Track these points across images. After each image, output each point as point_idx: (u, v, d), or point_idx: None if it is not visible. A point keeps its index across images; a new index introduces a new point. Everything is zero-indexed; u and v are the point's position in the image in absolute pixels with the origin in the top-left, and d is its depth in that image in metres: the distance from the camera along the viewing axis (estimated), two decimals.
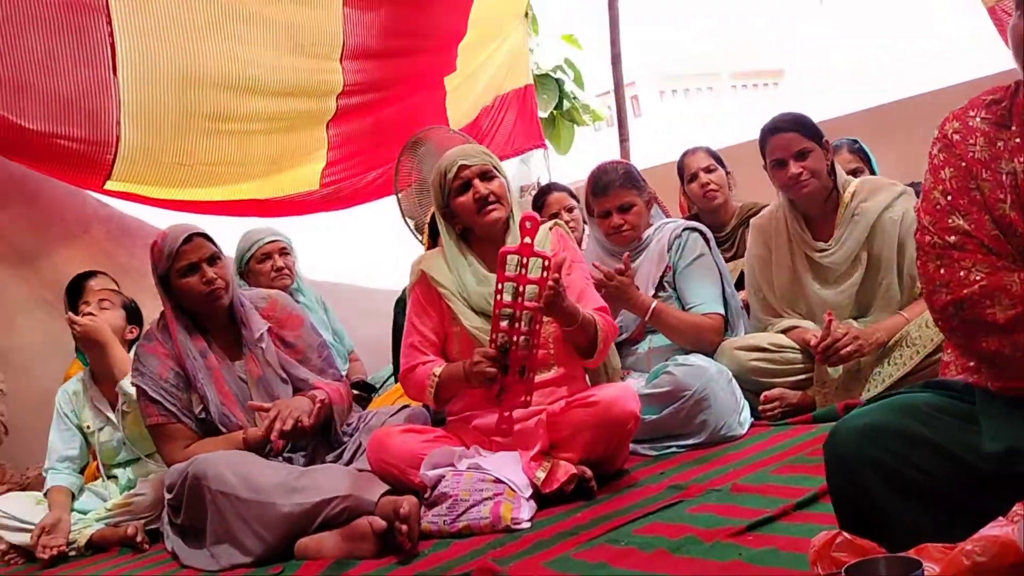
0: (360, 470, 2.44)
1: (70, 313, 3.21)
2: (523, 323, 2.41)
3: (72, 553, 2.85)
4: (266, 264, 3.68)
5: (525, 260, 2.39)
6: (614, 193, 3.02)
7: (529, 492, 2.28)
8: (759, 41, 33.72)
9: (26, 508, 2.95)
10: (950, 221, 1.49)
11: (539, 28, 7.32)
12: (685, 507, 2.09)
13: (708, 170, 3.74)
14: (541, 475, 2.30)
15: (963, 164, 1.51)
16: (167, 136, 4.13)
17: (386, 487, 2.28)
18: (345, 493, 2.24)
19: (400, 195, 4.26)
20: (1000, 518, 1.23)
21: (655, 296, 2.99)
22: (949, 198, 1.51)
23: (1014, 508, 1.24)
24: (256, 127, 4.43)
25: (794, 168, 2.86)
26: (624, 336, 3.03)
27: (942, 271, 1.49)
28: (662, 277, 3.02)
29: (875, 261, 2.86)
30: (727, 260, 3.53)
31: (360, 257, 5.47)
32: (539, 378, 2.48)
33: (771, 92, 33.99)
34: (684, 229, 3.07)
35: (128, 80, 3.89)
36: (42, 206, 4.36)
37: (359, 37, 4.46)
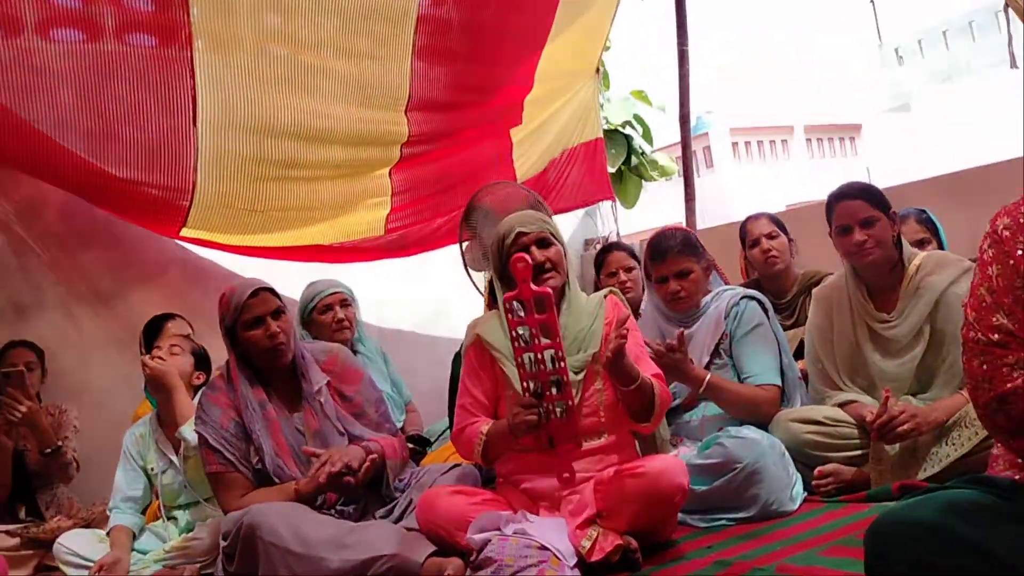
0: (409, 528, 2.47)
1: (143, 354, 3.33)
2: (547, 364, 2.42)
3: None
4: (327, 315, 3.77)
5: (530, 303, 2.40)
6: (672, 259, 3.04)
7: (574, 560, 2.28)
8: (835, 95, 33.41)
9: (89, 545, 3.03)
10: (994, 319, 1.49)
11: (610, 83, 7.41)
12: None
13: (770, 236, 3.74)
14: (587, 544, 2.30)
15: (1011, 262, 1.51)
16: (240, 182, 4.26)
17: (433, 548, 2.31)
18: (392, 552, 2.28)
19: (464, 246, 4.32)
20: None
21: (710, 363, 2.99)
22: (994, 295, 1.51)
23: None
24: (324, 173, 4.54)
25: (859, 235, 2.85)
26: (678, 402, 3.02)
27: (985, 367, 1.49)
28: (718, 345, 3.02)
29: (938, 336, 2.82)
30: (787, 328, 3.52)
31: (425, 304, 5.54)
32: (588, 445, 2.50)
33: (847, 147, 33.59)
34: (742, 297, 3.07)
35: (206, 130, 4.04)
36: (123, 249, 4.53)
37: (425, 90, 4.54)
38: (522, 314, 2.43)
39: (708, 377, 2.90)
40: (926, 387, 2.86)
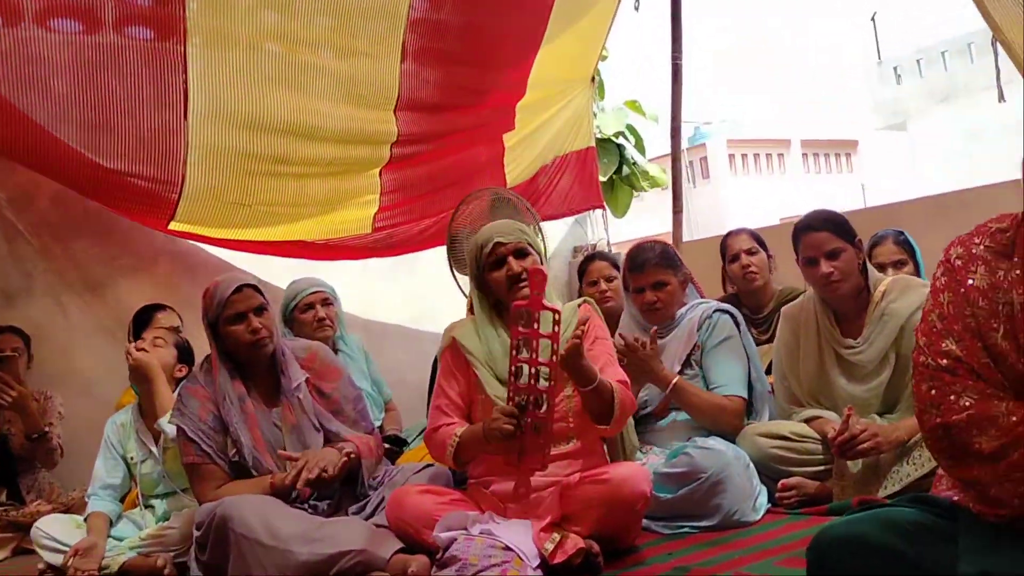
0: (379, 525, 2.53)
1: (128, 344, 3.36)
2: (538, 380, 2.46)
3: None
4: (309, 314, 3.83)
5: (536, 315, 2.45)
6: (649, 271, 3.10)
7: (537, 562, 2.33)
8: (832, 111, 33.53)
9: (66, 530, 3.07)
10: (944, 345, 1.54)
11: (605, 92, 7.46)
12: None
13: (750, 252, 3.80)
14: (550, 546, 2.35)
15: (961, 290, 1.57)
16: (229, 176, 4.31)
17: (400, 544, 2.37)
18: (360, 548, 2.34)
19: (450, 249, 4.35)
20: None
21: (681, 372, 3.05)
22: (944, 322, 1.56)
23: None
24: (313, 170, 4.58)
25: (825, 268, 2.90)
26: (648, 410, 3.09)
27: (933, 392, 1.54)
28: (689, 355, 3.08)
29: (903, 361, 2.86)
30: (762, 343, 3.58)
31: (412, 302, 5.58)
32: (557, 450, 2.55)
33: (843, 163, 33.68)
34: (716, 311, 3.14)
35: (197, 124, 4.08)
36: (115, 238, 4.58)
37: (414, 90, 4.57)
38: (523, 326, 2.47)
39: (676, 379, 2.97)
40: (891, 408, 2.91)
